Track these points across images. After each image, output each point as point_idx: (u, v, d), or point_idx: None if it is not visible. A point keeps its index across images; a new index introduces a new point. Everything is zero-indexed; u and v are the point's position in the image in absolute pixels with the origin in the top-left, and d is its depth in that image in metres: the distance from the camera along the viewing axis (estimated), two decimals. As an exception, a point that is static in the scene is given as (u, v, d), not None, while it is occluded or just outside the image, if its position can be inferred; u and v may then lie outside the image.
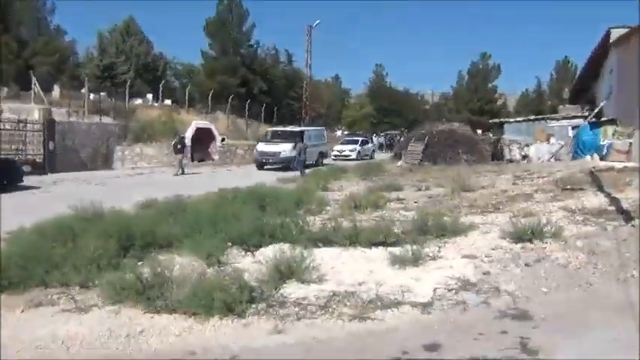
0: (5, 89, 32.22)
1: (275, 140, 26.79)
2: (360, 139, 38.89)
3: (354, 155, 34.55)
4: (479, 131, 40.80)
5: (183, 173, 22.44)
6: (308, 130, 29.15)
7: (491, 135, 33.92)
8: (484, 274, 6.10)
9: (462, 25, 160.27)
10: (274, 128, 30.48)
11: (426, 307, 5.29)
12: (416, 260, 6.40)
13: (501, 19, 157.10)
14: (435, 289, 5.67)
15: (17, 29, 42.97)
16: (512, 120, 33.14)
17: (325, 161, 29.37)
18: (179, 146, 23.25)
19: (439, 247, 7.14)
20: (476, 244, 7.23)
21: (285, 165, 24.64)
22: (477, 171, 17.86)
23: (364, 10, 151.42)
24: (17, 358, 4.49)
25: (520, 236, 7.18)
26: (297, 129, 28.61)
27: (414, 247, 6.66)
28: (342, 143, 38.36)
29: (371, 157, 35.41)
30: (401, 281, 5.91)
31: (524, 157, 25.04)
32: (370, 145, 39.52)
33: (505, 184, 13.84)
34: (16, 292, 5.88)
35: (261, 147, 26.48)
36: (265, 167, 25.59)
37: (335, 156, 34.14)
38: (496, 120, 36.76)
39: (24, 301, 5.71)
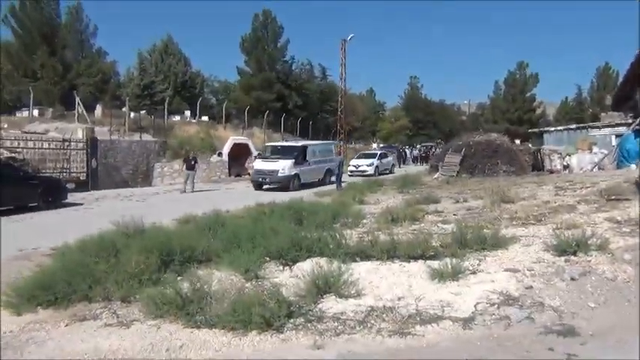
0: (51, 110, 33.43)
1: (273, 157, 23.83)
2: (379, 152, 36.37)
3: (371, 170, 31.72)
4: (517, 141, 40.02)
5: (193, 190, 21.46)
6: (312, 145, 26.27)
7: (530, 145, 33.20)
8: (527, 288, 5.93)
9: (498, 35, 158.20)
10: (273, 143, 27.46)
11: (467, 322, 5.17)
12: (456, 274, 6.28)
13: (538, 26, 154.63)
14: (476, 304, 5.54)
15: (62, 52, 44.58)
16: (552, 129, 32.41)
17: (334, 179, 25.22)
18: (192, 162, 22.34)
19: (479, 261, 6.97)
20: (518, 258, 7.04)
21: (284, 185, 21.95)
22: (517, 182, 17.49)
23: (398, 23, 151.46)
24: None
25: (564, 249, 6.95)
26: (299, 144, 25.71)
27: (454, 260, 6.53)
28: (358, 157, 35.04)
29: (390, 172, 33.27)
30: (441, 296, 5.81)
31: (566, 167, 24.43)
32: (390, 158, 36.42)
33: (547, 195, 13.49)
34: (60, 307, 6.03)
35: (258, 164, 23.72)
36: (264, 187, 22.62)
37: (351, 172, 31.10)
38: (535, 129, 36.03)
39: (68, 315, 5.86)
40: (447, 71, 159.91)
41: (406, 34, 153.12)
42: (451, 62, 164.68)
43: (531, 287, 5.95)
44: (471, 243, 7.60)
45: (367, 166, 32.35)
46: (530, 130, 38.58)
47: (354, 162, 33.15)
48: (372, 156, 34.48)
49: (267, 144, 27.13)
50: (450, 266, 6.35)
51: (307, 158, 23.89)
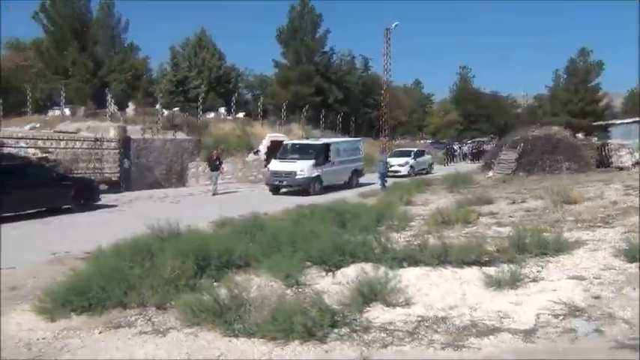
0: (83, 108, 34.48)
1: (291, 157, 22.28)
2: (414, 150, 34.55)
3: (405, 170, 29.85)
4: (579, 135, 39.00)
5: (215, 192, 21.27)
6: (336, 143, 24.49)
7: (595, 139, 32.28)
8: (594, 298, 5.75)
9: (558, 19, 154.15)
10: (291, 141, 25.63)
11: (528, 334, 5.04)
12: (514, 282, 6.14)
13: (602, 10, 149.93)
14: (537, 315, 5.40)
15: (93, 48, 45.94)
16: (619, 122, 31.43)
17: (363, 180, 25.01)
18: (217, 162, 22.00)
19: (540, 267, 6.82)
20: (583, 264, 6.85)
21: (304, 188, 20.75)
22: (581, 180, 17.04)
23: (445, 9, 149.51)
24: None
25: (635, 255, 6.72)
26: (320, 142, 23.85)
27: (512, 266, 6.40)
28: (391, 156, 32.43)
29: (428, 172, 31.79)
30: (498, 305, 5.69)
31: (637, 163, 23.61)
32: (427, 157, 34.67)
33: (615, 194, 13.08)
34: (95, 313, 6.19)
35: (274, 165, 22.18)
36: (282, 191, 21.54)
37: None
38: (600, 122, 35.05)
39: (102, 322, 6.01)
40: (501, 60, 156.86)
41: (455, 21, 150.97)
42: (505, 50, 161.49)
43: (599, 297, 5.76)
44: (530, 248, 7.44)
45: (400, 165, 30.50)
46: (594, 123, 37.56)
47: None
48: (407, 154, 32.58)
49: (285, 142, 25.42)
50: (507, 273, 6.22)
51: (330, 158, 22.62)
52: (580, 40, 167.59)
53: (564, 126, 33.76)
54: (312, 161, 21.31)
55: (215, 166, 21.84)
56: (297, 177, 20.89)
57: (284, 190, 21.32)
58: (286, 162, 21.78)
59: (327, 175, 21.95)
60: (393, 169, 29.14)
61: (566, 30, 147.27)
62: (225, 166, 23.52)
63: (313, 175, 21.18)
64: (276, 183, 21.40)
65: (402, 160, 31.09)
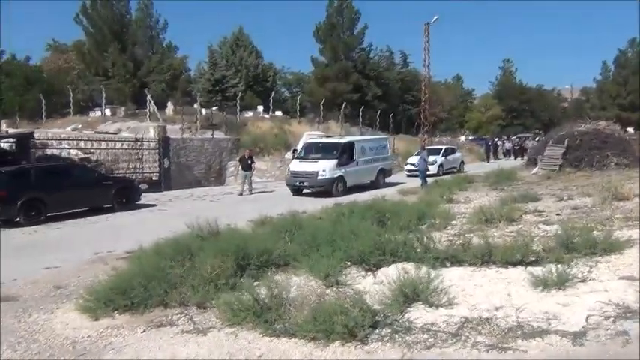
0: (123, 108, 35.31)
1: (313, 157, 21.46)
2: (444, 148, 32.51)
3: (433, 170, 27.76)
4: (630, 130, 37.87)
5: (250, 192, 21.17)
6: (360, 142, 23.55)
7: (646, 134, 31.27)
8: (648, 299, 5.57)
9: (605, 7, 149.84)
10: (313, 140, 24.72)
11: (577, 337, 4.92)
12: (562, 282, 5.99)
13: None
14: (587, 317, 5.26)
15: (132, 49, 47.00)
16: (672, 115, 30.30)
17: (390, 179, 24.36)
18: (249, 162, 21.69)
19: (589, 267, 6.63)
20: (635, 264, 6.63)
21: (326, 189, 19.97)
22: (631, 176, 16.49)
23: (487, 2, 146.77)
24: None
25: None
26: (343, 140, 22.78)
27: (559, 266, 6.24)
28: (418, 154, 29.78)
29: (459, 171, 30.03)
30: (545, 306, 5.57)
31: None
32: (457, 155, 32.87)
33: (669, 191, 12.62)
34: (137, 312, 6.33)
35: (295, 166, 21.32)
36: (303, 192, 20.71)
37: (408, 171, 28.29)
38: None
39: (145, 321, 6.14)
40: (545, 52, 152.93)
41: (497, 13, 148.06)
42: (550, 42, 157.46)
43: (654, 298, 5.57)
44: (578, 247, 7.24)
45: (429, 164, 27.88)
46: (646, 117, 36.28)
47: (412, 159, 29.14)
48: (436, 152, 30.72)
49: (307, 141, 24.88)
50: (555, 273, 6.07)
51: (355, 157, 21.69)
52: (630, 30, 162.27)
53: (613, 120, 32.73)
54: (334, 161, 20.50)
55: (247, 165, 21.63)
56: (318, 178, 20.11)
57: (306, 191, 20.68)
58: (307, 162, 21.02)
59: (351, 176, 21.17)
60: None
61: (615, 20, 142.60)
62: (256, 165, 23.30)
63: (336, 175, 20.35)
64: (297, 184, 20.68)
65: (431, 158, 28.57)
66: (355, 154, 21.77)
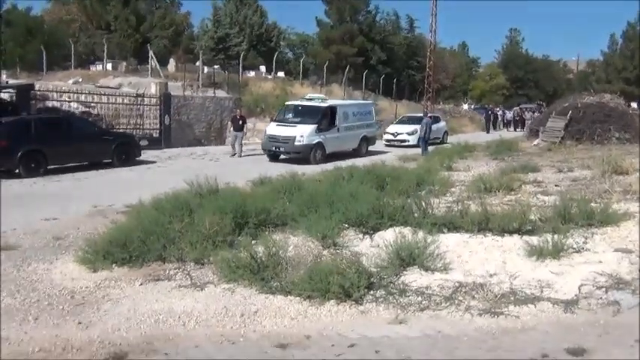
0: (124, 63, 34.98)
1: (292, 120, 20.19)
2: (426, 117, 27.92)
3: (413, 140, 25.76)
4: (634, 104, 37.56)
5: (241, 155, 20.22)
6: (343, 106, 21.84)
7: (650, 109, 31.08)
8: (642, 271, 5.63)
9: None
10: (293, 102, 22.69)
11: (569, 305, 5.00)
12: (557, 252, 6.05)
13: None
14: (580, 286, 5.34)
15: (135, 3, 46.27)
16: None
17: (372, 148, 22.87)
18: (240, 122, 20.82)
19: (585, 238, 6.68)
20: (631, 237, 6.67)
21: (304, 156, 18.71)
22: (632, 151, 16.47)
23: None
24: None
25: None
26: (324, 104, 20.87)
27: (555, 236, 6.29)
28: (398, 123, 28.94)
29: (442, 142, 27.75)
30: (539, 275, 5.64)
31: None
32: (441, 124, 29.79)
33: (669, 166, 12.62)
34: (135, 265, 6.41)
35: (272, 129, 19.93)
36: (280, 158, 19.34)
37: (387, 140, 26.35)
38: (657, 91, 33.54)
39: (142, 274, 6.22)
40: (553, 22, 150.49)
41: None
42: (558, 11, 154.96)
43: (647, 270, 5.64)
44: (575, 218, 7.28)
45: (408, 134, 26.60)
46: (650, 92, 35.93)
47: (391, 128, 27.62)
48: (417, 121, 27.48)
49: (286, 103, 23.06)
50: (550, 243, 6.13)
51: (336, 123, 20.31)
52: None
53: (618, 94, 32.43)
54: (313, 126, 19.20)
55: (239, 126, 20.79)
56: (295, 143, 18.77)
57: (283, 157, 19.34)
58: (285, 126, 19.70)
59: (331, 142, 19.83)
60: (400, 137, 26.48)
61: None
62: (249, 126, 22.42)
63: (314, 141, 19.03)
64: (273, 149, 19.36)
65: (411, 127, 26.88)
66: (337, 119, 20.46)
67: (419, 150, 21.68)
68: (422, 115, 29.77)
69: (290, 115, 20.73)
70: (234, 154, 20.31)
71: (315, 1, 55.38)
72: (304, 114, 20.22)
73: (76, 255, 6.72)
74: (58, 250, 7.28)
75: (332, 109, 20.50)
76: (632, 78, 62.80)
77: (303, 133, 18.88)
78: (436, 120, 29.45)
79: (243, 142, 21.02)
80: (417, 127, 26.04)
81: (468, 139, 23.62)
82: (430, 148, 21.91)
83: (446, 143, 27.01)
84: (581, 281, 5.44)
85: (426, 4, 43.58)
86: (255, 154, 20.38)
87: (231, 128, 21.45)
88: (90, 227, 8.40)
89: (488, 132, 38.03)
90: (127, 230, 6.94)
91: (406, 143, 25.82)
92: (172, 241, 6.76)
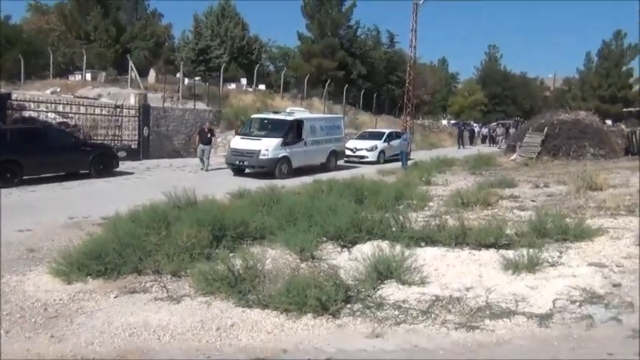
0: (104, 73, 34.69)
1: (257, 134, 19.71)
2: (386, 132, 28.21)
3: (372, 157, 25.38)
4: (608, 122, 38.32)
5: (208, 169, 19.79)
6: (310, 120, 21.13)
7: (623, 127, 31.74)
8: (614, 286, 5.71)
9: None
10: (259, 115, 22.01)
11: (543, 319, 5.05)
12: (532, 266, 6.12)
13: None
14: (554, 300, 5.39)
15: (116, 14, 46.04)
16: (651, 109, 30.76)
17: (340, 162, 22.50)
18: (208, 135, 20.45)
19: (560, 253, 6.76)
20: (604, 251, 6.78)
21: (269, 170, 18.16)
22: (607, 167, 16.78)
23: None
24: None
25: (660, 244, 6.64)
26: (290, 117, 20.32)
27: (531, 251, 6.36)
28: (358, 138, 27.95)
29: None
30: (514, 289, 5.69)
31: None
32: (404, 140, 25.66)
33: (641, 183, 12.86)
34: (110, 278, 6.32)
35: (236, 143, 19.51)
36: (245, 172, 18.80)
37: (347, 156, 24.47)
38: (631, 109, 34.33)
39: (117, 286, 6.14)
40: (531, 40, 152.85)
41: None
42: (536, 30, 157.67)
43: (619, 285, 5.72)
44: (550, 232, 7.39)
45: (368, 150, 25.76)
46: (624, 110, 36.73)
47: (351, 143, 26.12)
48: (378, 136, 27.39)
49: (252, 116, 22.34)
50: (526, 257, 6.20)
51: (303, 136, 19.86)
52: (616, 22, 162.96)
53: (593, 111, 33.10)
54: (279, 139, 18.67)
55: (207, 139, 20.31)
56: (260, 157, 18.25)
57: (248, 171, 18.81)
58: (250, 139, 19.17)
59: (297, 156, 19.32)
60: (359, 153, 25.47)
61: (602, 11, 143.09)
62: (217, 140, 21.88)
63: (279, 155, 18.50)
64: (237, 163, 18.90)
65: (371, 143, 26.28)
66: (304, 132, 19.98)
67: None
68: (383, 130, 29.22)
69: (255, 129, 20.30)
70: (202, 168, 19.84)
71: (296, 14, 55.23)
72: (270, 127, 19.85)
73: (50, 267, 6.61)
74: (31, 262, 7.16)
75: (298, 123, 20.08)
76: (606, 96, 64.17)
77: (268, 146, 18.42)
78: (397, 136, 28.22)
79: (210, 155, 20.53)
80: (377, 142, 26.45)
81: (444, 154, 23.67)
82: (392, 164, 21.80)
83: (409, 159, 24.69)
84: (555, 295, 5.49)
85: (406, 20, 44.03)
86: (225, 168, 19.88)
87: (198, 141, 20.77)
88: (65, 239, 8.27)
89: (459, 147, 37.64)
90: (103, 242, 6.85)
91: (366, 159, 25.19)
92: (149, 254, 6.69)
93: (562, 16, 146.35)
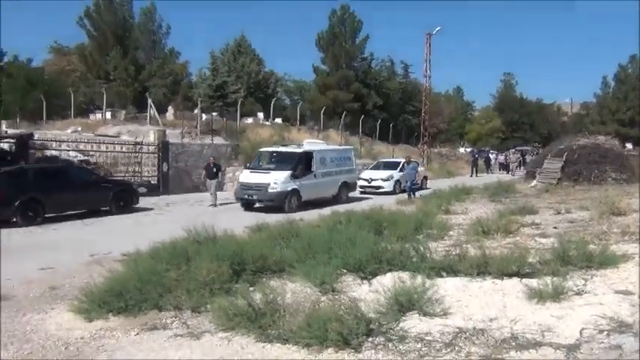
0: (123, 112, 35.35)
1: (266, 167, 19.57)
2: (402, 161, 26.86)
3: (388, 187, 25.02)
4: (629, 145, 37.95)
5: (215, 204, 19.63)
6: (320, 151, 20.77)
7: (645, 150, 31.37)
8: (643, 313, 5.56)
9: (607, 22, 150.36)
10: (266, 149, 21.77)
11: (571, 350, 4.91)
12: (557, 295, 5.99)
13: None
14: (581, 330, 5.26)
15: (135, 53, 47.11)
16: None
17: (355, 194, 22.57)
18: (214, 170, 20.35)
19: (585, 281, 6.63)
20: (631, 278, 6.63)
21: (278, 204, 17.89)
22: (629, 192, 16.52)
23: (489, 13, 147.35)
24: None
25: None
26: (300, 150, 20.12)
27: (555, 279, 6.24)
28: (373, 168, 27.83)
29: (420, 187, 25.46)
30: (540, 318, 5.56)
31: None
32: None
33: (666, 207, 12.64)
34: (131, 315, 6.32)
35: (244, 177, 19.37)
36: (255, 207, 18.52)
37: (361, 187, 24.53)
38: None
39: (138, 323, 6.12)
40: (547, 66, 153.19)
41: (499, 26, 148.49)
42: (551, 56, 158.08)
43: (648, 313, 5.57)
44: (574, 260, 7.26)
45: (383, 180, 25.44)
46: (644, 133, 36.30)
47: (366, 174, 26.15)
48: (393, 166, 26.91)
49: (260, 149, 21.94)
50: (550, 285, 6.07)
51: (313, 169, 19.62)
52: (631, 46, 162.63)
53: (612, 135, 32.77)
54: (288, 172, 18.49)
55: (212, 174, 20.18)
56: (269, 190, 17.96)
57: (257, 205, 18.50)
58: (258, 173, 18.94)
59: (307, 189, 19.07)
60: (374, 184, 25.24)
61: (617, 36, 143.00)
62: (237, 174, 21.80)
63: (288, 188, 18.28)
64: (246, 197, 18.58)
65: (387, 173, 26.01)
66: (314, 165, 19.72)
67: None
68: (399, 160, 28.56)
69: (264, 162, 20.10)
70: (211, 204, 19.67)
71: (311, 49, 56.05)
72: (279, 160, 19.63)
73: (71, 304, 6.63)
74: (53, 300, 7.20)
75: (308, 155, 19.83)
76: (626, 119, 63.62)
77: (277, 179, 18.17)
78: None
79: (217, 190, 20.29)
80: (393, 172, 25.97)
81: (462, 182, 23.06)
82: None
83: (424, 188, 25.79)
84: (582, 325, 5.36)
85: (420, 50, 44.46)
86: (234, 202, 19.64)
87: (205, 176, 20.65)
88: (86, 276, 8.31)
89: (471, 175, 36.79)
90: (124, 279, 6.88)
91: (381, 190, 24.90)
92: (169, 290, 6.69)
93: (577, 41, 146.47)
